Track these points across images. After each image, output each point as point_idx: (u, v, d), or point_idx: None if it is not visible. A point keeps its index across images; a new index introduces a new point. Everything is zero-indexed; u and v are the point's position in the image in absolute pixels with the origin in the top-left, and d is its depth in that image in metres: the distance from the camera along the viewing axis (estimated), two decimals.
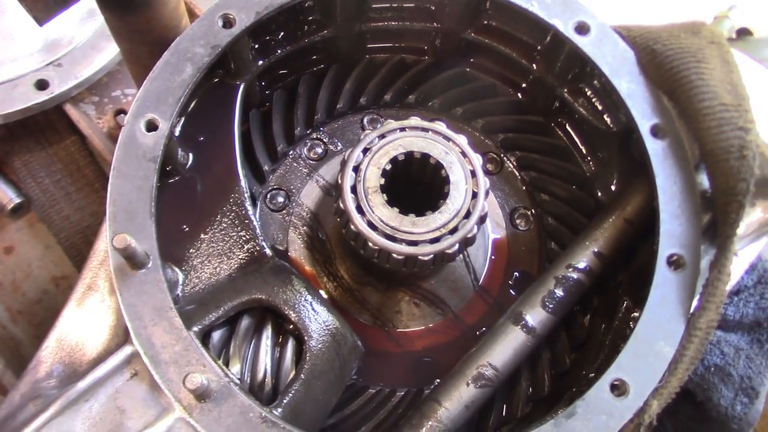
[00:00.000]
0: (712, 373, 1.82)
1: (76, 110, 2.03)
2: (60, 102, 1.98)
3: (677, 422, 1.84)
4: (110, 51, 2.04)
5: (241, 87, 1.65)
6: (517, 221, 1.79)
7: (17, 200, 2.01)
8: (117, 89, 2.13)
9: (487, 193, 1.44)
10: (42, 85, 1.95)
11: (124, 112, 2.10)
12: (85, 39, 2.02)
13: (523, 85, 1.85)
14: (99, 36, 2.04)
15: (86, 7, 2.01)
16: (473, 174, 1.44)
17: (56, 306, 2.00)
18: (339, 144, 1.80)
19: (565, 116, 1.83)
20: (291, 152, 1.78)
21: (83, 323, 1.48)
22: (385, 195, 1.41)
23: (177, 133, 1.55)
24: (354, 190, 1.41)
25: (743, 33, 1.94)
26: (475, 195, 1.42)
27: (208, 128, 1.61)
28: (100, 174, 2.09)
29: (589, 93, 1.73)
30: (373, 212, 1.40)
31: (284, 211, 1.74)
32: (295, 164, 1.77)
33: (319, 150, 1.79)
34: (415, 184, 1.51)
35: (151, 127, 1.43)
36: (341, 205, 1.41)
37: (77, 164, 2.08)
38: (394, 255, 1.39)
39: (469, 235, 1.41)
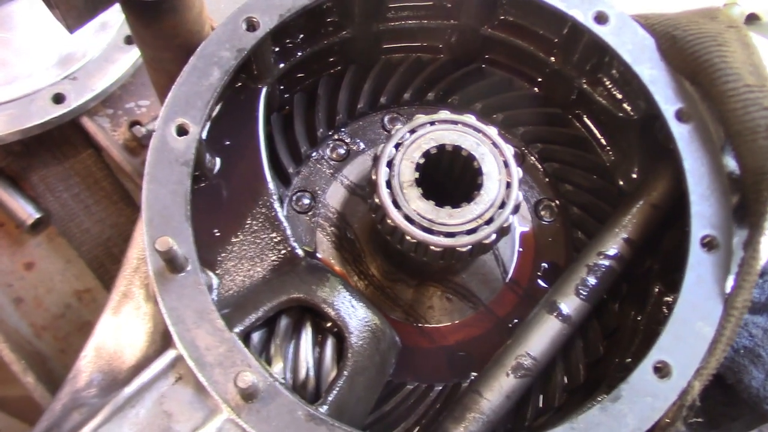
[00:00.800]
0: (742, 355, 1.83)
1: (92, 123, 2.04)
2: (77, 115, 1.98)
3: (707, 406, 1.83)
4: (124, 63, 2.04)
5: (264, 90, 1.65)
6: (542, 213, 1.80)
7: (36, 215, 2.01)
8: (131, 101, 2.14)
9: (520, 183, 1.44)
10: (59, 98, 1.95)
11: (138, 123, 2.11)
12: (99, 52, 2.03)
13: (540, 78, 1.87)
14: (112, 48, 2.04)
15: (99, 19, 2.00)
16: (506, 164, 1.44)
17: (80, 319, 2.00)
18: (361, 144, 1.81)
19: (583, 107, 1.84)
20: (314, 154, 1.78)
21: (120, 331, 1.47)
22: (420, 188, 1.42)
23: (204, 137, 1.55)
24: (389, 184, 1.42)
25: (752, 18, 1.97)
26: (508, 185, 1.43)
27: (233, 132, 1.61)
28: (118, 186, 2.09)
29: (607, 82, 1.75)
30: (409, 206, 1.41)
31: (310, 213, 1.74)
32: (318, 166, 1.78)
33: (342, 150, 1.79)
34: (448, 177, 1.52)
35: (182, 131, 1.43)
36: (377, 200, 1.41)
37: (94, 177, 2.07)
38: (433, 247, 1.39)
39: (505, 225, 1.42)
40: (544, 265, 1.75)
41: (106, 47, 2.03)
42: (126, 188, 2.09)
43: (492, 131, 1.47)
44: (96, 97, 1.99)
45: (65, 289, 2.02)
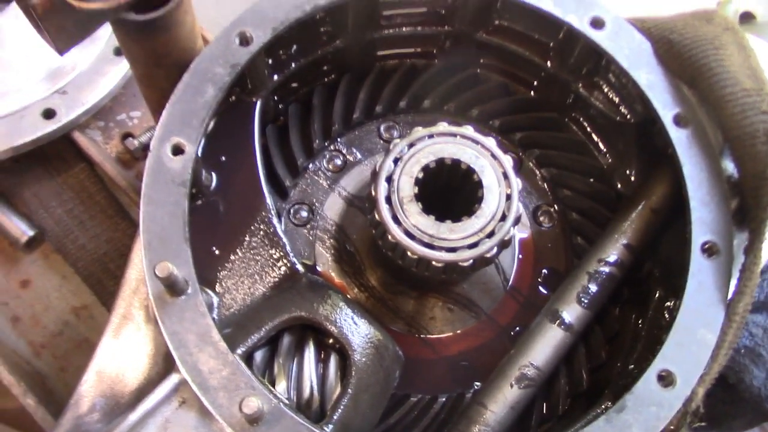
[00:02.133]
0: (743, 355, 1.83)
1: (84, 137, 2.01)
2: (68, 130, 1.95)
3: (709, 405, 1.84)
4: (114, 75, 2.01)
5: (258, 103, 1.64)
6: (541, 218, 1.79)
7: (30, 233, 1.98)
8: (122, 112, 2.11)
9: (520, 194, 1.44)
10: (49, 114, 1.92)
11: (131, 135, 2.08)
12: (89, 64, 1.99)
13: (535, 82, 1.86)
14: (101, 60, 2.01)
15: None
16: (505, 176, 1.44)
17: (78, 336, 1.99)
18: (358, 154, 1.80)
19: (579, 111, 1.84)
20: (311, 165, 1.77)
21: (121, 354, 1.46)
22: (420, 203, 1.41)
23: (199, 154, 1.53)
24: (389, 200, 1.41)
25: (746, 17, 1.96)
26: (509, 197, 1.42)
27: (228, 148, 1.60)
28: (112, 200, 2.06)
29: (604, 86, 1.74)
30: (409, 221, 1.40)
31: (309, 226, 1.73)
32: (315, 177, 1.77)
33: (339, 161, 1.78)
34: (448, 190, 1.51)
35: (178, 150, 1.42)
36: (377, 216, 1.40)
37: (88, 191, 2.05)
38: (434, 263, 1.39)
39: (507, 238, 1.42)
40: (544, 271, 1.75)
41: (96, 60, 2.00)
42: (120, 202, 2.06)
43: (491, 142, 1.46)
44: (87, 111, 1.96)
45: (62, 306, 2.00)
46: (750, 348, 1.83)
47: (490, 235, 1.40)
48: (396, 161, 1.43)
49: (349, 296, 1.67)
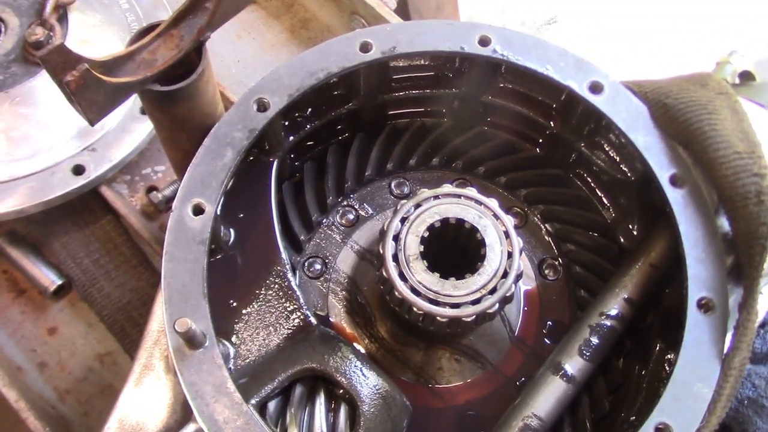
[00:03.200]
0: (746, 406, 1.87)
1: (111, 191, 2.12)
2: (96, 185, 2.06)
3: None
4: (140, 132, 2.12)
5: (275, 163, 1.73)
6: (546, 271, 1.86)
7: (59, 282, 2.08)
8: (147, 167, 2.22)
9: (521, 252, 1.51)
10: (78, 170, 2.03)
11: (155, 188, 2.19)
12: (116, 123, 2.11)
13: (540, 140, 1.94)
14: (128, 119, 2.13)
15: None
16: (507, 235, 1.51)
17: (102, 382, 2.07)
18: (369, 209, 1.88)
19: (583, 167, 1.91)
20: (324, 220, 1.86)
21: (142, 403, 1.54)
22: (425, 261, 1.48)
23: (218, 212, 1.62)
24: (396, 258, 1.49)
25: (745, 77, 2.02)
26: (510, 255, 1.50)
27: (246, 205, 1.69)
28: (137, 250, 2.16)
29: (605, 145, 1.82)
30: (415, 278, 1.47)
31: (322, 278, 1.81)
32: (329, 232, 1.85)
33: (351, 216, 1.87)
34: (453, 248, 1.58)
35: (198, 211, 1.51)
36: (384, 273, 1.48)
37: (114, 242, 2.15)
38: (439, 318, 1.46)
39: (508, 294, 1.48)
40: (549, 323, 1.81)
41: (123, 118, 2.12)
42: (144, 252, 2.16)
43: (493, 203, 1.54)
44: (114, 167, 2.07)
45: (87, 353, 2.09)
46: (753, 399, 1.87)
47: (493, 291, 1.47)
48: (403, 221, 1.51)
49: (360, 346, 1.74)
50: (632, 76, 1.75)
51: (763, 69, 1.95)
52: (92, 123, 1.41)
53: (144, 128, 2.13)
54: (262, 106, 1.60)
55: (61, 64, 1.31)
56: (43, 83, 2.09)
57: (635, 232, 1.83)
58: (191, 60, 1.48)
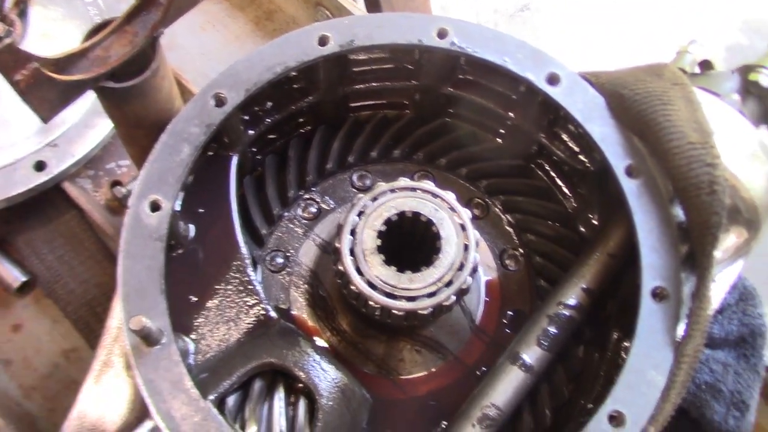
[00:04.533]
0: (704, 390, 1.91)
1: (74, 187, 2.11)
2: (59, 181, 2.05)
3: None
4: (103, 127, 2.12)
5: (235, 157, 1.73)
6: (507, 262, 1.87)
7: (22, 279, 2.08)
8: (111, 161, 2.21)
9: (477, 245, 1.52)
10: (40, 166, 2.02)
11: (119, 183, 2.18)
12: (78, 118, 2.10)
13: (502, 130, 1.95)
14: (91, 113, 2.12)
15: None
16: (463, 228, 1.52)
17: (68, 378, 2.07)
18: (331, 202, 1.89)
19: (543, 158, 1.92)
20: (286, 214, 1.86)
21: (102, 399, 1.54)
22: (382, 255, 1.49)
23: (178, 208, 1.62)
24: (352, 252, 1.49)
25: (705, 66, 2.04)
26: (466, 248, 1.51)
27: (206, 200, 1.68)
28: (101, 245, 2.16)
29: (564, 136, 1.83)
30: (371, 272, 1.48)
31: (284, 272, 1.81)
32: (291, 225, 1.85)
33: (313, 209, 1.87)
34: (409, 241, 1.59)
35: (155, 207, 1.51)
36: (341, 267, 1.49)
37: (78, 238, 2.14)
38: (395, 311, 1.47)
39: (464, 286, 1.50)
40: (510, 312, 1.82)
41: (85, 113, 2.11)
42: (109, 247, 2.16)
43: (449, 196, 1.55)
44: (77, 163, 2.07)
45: (53, 349, 2.09)
46: (710, 384, 1.90)
47: (449, 284, 1.49)
48: (360, 215, 1.52)
49: (322, 339, 1.75)
50: (604, 62, 1.76)
51: (733, 55, 1.96)
52: (45, 120, 1.41)
53: (107, 123, 2.12)
54: (220, 101, 1.60)
55: (11, 62, 1.31)
56: (2, 79, 2.07)
57: (595, 222, 1.85)
58: (146, 56, 1.48)
